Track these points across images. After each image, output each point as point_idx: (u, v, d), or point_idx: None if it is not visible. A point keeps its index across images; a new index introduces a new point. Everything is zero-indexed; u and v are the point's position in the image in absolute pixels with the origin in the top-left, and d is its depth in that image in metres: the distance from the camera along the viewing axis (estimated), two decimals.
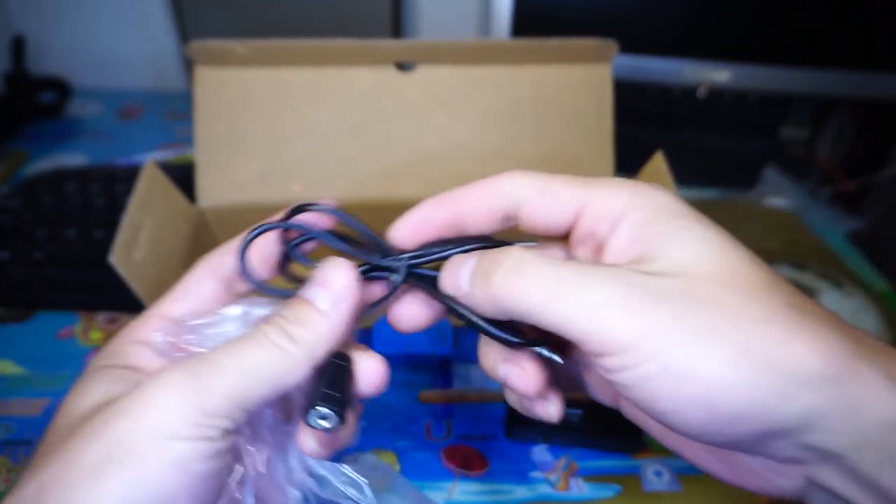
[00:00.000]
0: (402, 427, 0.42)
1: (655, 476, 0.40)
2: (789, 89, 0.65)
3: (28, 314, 0.51)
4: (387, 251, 0.25)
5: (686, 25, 0.64)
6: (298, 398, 0.24)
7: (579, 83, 0.50)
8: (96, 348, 0.45)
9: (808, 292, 0.50)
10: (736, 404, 0.19)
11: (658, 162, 0.46)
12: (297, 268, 0.26)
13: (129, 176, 0.56)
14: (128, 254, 0.37)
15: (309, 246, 0.26)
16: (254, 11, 0.74)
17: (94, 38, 0.80)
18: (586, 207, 0.23)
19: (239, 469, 0.23)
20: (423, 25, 0.81)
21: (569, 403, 0.42)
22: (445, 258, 0.24)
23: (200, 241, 0.46)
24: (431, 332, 0.43)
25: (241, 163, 0.48)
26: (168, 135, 0.74)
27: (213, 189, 0.48)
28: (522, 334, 0.24)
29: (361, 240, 0.25)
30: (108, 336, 0.44)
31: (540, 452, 0.41)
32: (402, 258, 0.25)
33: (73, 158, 0.70)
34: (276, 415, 0.24)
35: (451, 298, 0.24)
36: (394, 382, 0.45)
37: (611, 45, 0.48)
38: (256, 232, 0.25)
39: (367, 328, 0.44)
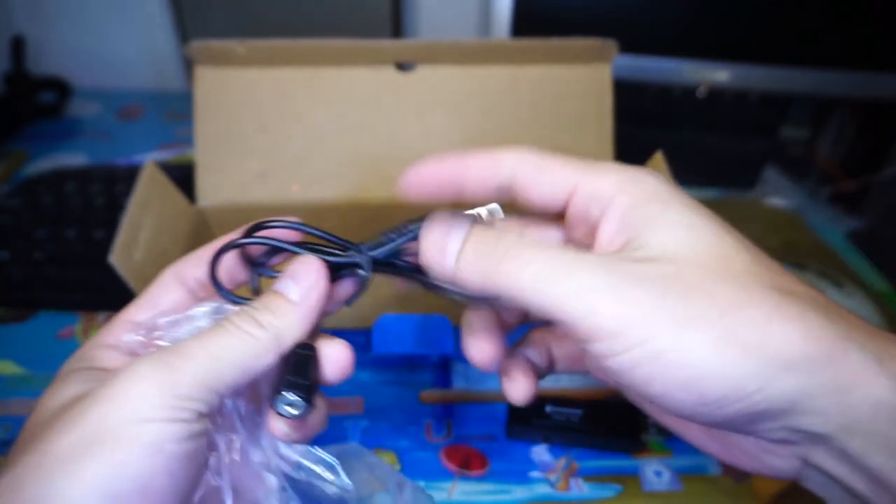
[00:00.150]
0: (402, 427, 0.42)
1: (655, 476, 0.40)
2: (789, 89, 0.65)
3: (28, 314, 0.51)
4: (350, 250, 0.26)
5: (686, 25, 0.64)
6: (267, 388, 0.25)
7: (579, 83, 0.50)
8: None
9: None
10: (722, 388, 0.19)
11: (658, 162, 0.46)
12: (264, 283, 0.27)
13: (129, 176, 0.56)
14: (128, 254, 0.37)
15: (275, 261, 0.27)
16: (254, 11, 0.74)
17: (94, 38, 0.80)
18: (578, 188, 0.23)
19: (214, 457, 0.24)
20: (423, 25, 0.81)
21: (569, 403, 0.42)
22: (405, 243, 0.26)
23: (200, 241, 0.45)
24: (431, 332, 0.43)
25: (241, 163, 0.48)
26: (168, 135, 0.74)
27: (213, 189, 0.48)
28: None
29: (325, 245, 0.27)
30: None
31: (540, 452, 0.41)
32: (364, 250, 0.26)
33: (73, 158, 0.70)
34: (249, 405, 0.25)
35: (426, 277, 0.25)
36: (394, 382, 0.45)
37: (611, 45, 0.48)
38: (226, 247, 0.26)
39: (367, 328, 0.44)
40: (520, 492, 0.39)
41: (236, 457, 0.24)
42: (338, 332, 0.48)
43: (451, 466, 0.40)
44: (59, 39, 0.80)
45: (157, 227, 0.40)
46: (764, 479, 0.40)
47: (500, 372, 0.28)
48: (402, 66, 0.49)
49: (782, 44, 0.64)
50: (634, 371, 0.20)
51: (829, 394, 0.19)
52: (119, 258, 0.36)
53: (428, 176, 0.25)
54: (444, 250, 0.23)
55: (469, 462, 0.40)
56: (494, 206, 0.27)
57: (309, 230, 0.26)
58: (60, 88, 0.77)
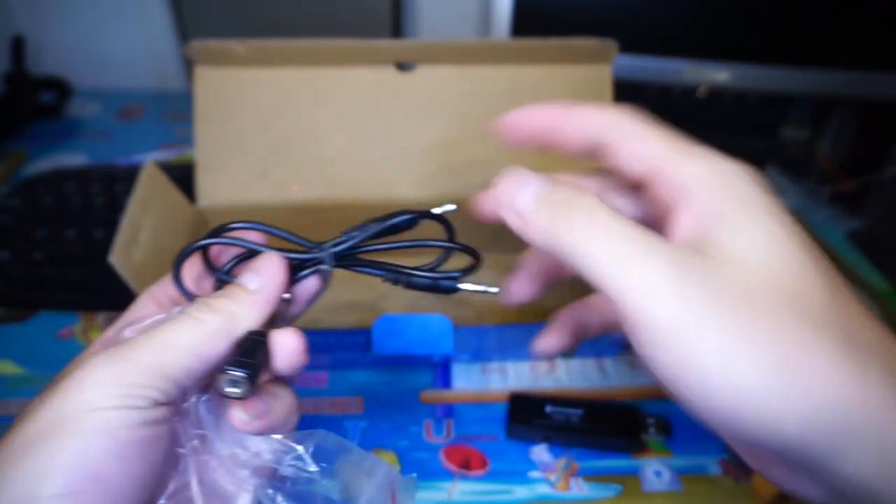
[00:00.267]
0: (402, 427, 0.42)
1: (655, 476, 0.40)
2: (789, 89, 0.65)
3: (28, 314, 0.51)
4: (313, 249, 0.27)
5: (686, 25, 0.64)
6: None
7: (579, 83, 0.50)
8: None
9: None
10: (761, 419, 0.18)
11: None
12: None
13: (129, 176, 0.56)
14: (128, 254, 0.37)
15: (238, 269, 0.28)
16: (254, 11, 0.74)
17: (94, 38, 0.80)
18: (664, 169, 0.22)
19: (181, 452, 0.24)
20: (423, 25, 0.81)
21: (569, 403, 0.42)
22: (365, 240, 0.27)
23: None
24: (431, 332, 0.43)
25: (241, 163, 0.48)
26: (168, 135, 0.74)
27: (213, 189, 0.48)
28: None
29: (288, 244, 0.28)
30: None
31: (540, 452, 0.41)
32: (326, 248, 0.27)
33: (73, 158, 0.70)
34: (218, 402, 0.25)
35: (388, 272, 0.28)
36: (394, 382, 0.45)
37: (611, 45, 0.48)
38: (190, 249, 0.27)
39: (367, 328, 0.44)
40: (520, 492, 0.39)
41: (205, 455, 0.25)
42: (338, 333, 0.48)
43: (451, 466, 0.40)
44: (59, 39, 0.80)
45: (157, 227, 0.40)
46: (764, 481, 0.40)
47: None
48: (402, 66, 0.49)
49: (782, 44, 0.64)
50: (672, 370, 0.19)
51: (872, 448, 0.18)
52: (119, 258, 0.36)
53: (527, 121, 0.26)
54: (518, 191, 0.23)
55: (469, 462, 0.40)
56: (452, 206, 0.29)
57: (270, 230, 0.28)
58: (60, 88, 0.77)
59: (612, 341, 0.47)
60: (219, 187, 0.48)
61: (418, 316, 0.43)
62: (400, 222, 0.28)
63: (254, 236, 0.28)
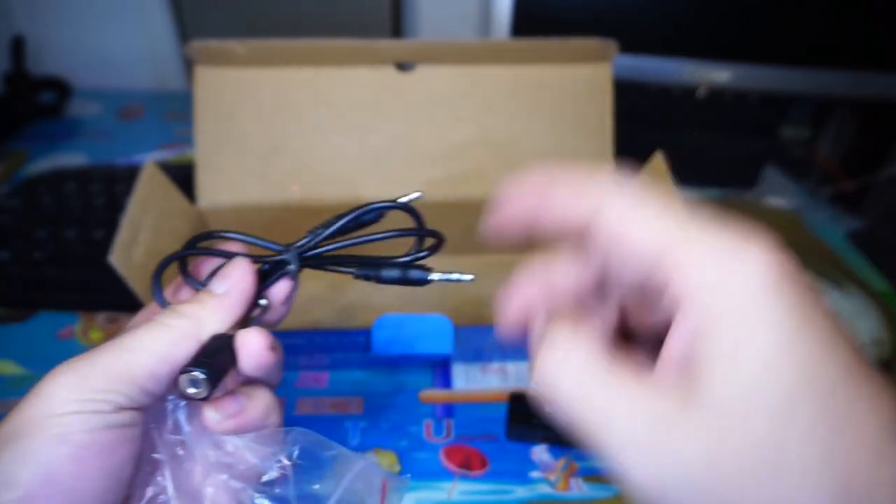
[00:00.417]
0: (402, 427, 0.42)
1: None
2: (789, 89, 0.65)
3: (28, 314, 0.51)
4: (281, 250, 0.28)
5: (686, 25, 0.64)
6: None
7: (579, 83, 0.50)
8: None
9: None
10: None
11: (658, 162, 0.46)
12: None
13: (129, 176, 0.56)
14: (127, 254, 0.37)
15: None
16: (254, 11, 0.73)
17: (94, 39, 0.80)
18: (659, 262, 0.18)
19: (158, 458, 0.25)
20: (423, 25, 0.81)
21: None
22: (330, 237, 0.28)
23: None
24: (431, 332, 0.43)
25: (241, 163, 0.48)
26: (168, 135, 0.74)
27: (213, 189, 0.48)
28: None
29: (258, 249, 0.28)
30: (108, 336, 0.44)
31: (540, 452, 0.41)
32: (291, 249, 0.27)
33: (73, 158, 0.70)
34: (193, 404, 0.25)
35: (355, 269, 0.28)
36: (394, 382, 0.45)
37: (611, 45, 0.48)
38: (167, 260, 0.28)
39: (367, 328, 0.44)
40: (520, 492, 0.39)
41: (184, 460, 0.25)
42: (338, 332, 0.48)
43: (451, 466, 0.40)
44: (59, 39, 0.80)
45: (157, 227, 0.40)
46: None
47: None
48: (402, 66, 0.49)
49: (782, 44, 0.64)
50: None
51: None
52: (119, 258, 0.36)
53: (506, 219, 0.21)
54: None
55: (469, 462, 0.40)
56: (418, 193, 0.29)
57: (240, 237, 0.28)
58: (60, 88, 0.77)
59: None
60: (219, 187, 0.48)
61: (418, 316, 0.43)
62: (363, 214, 0.28)
63: (236, 246, 0.28)
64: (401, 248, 0.29)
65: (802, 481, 0.15)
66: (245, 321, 0.27)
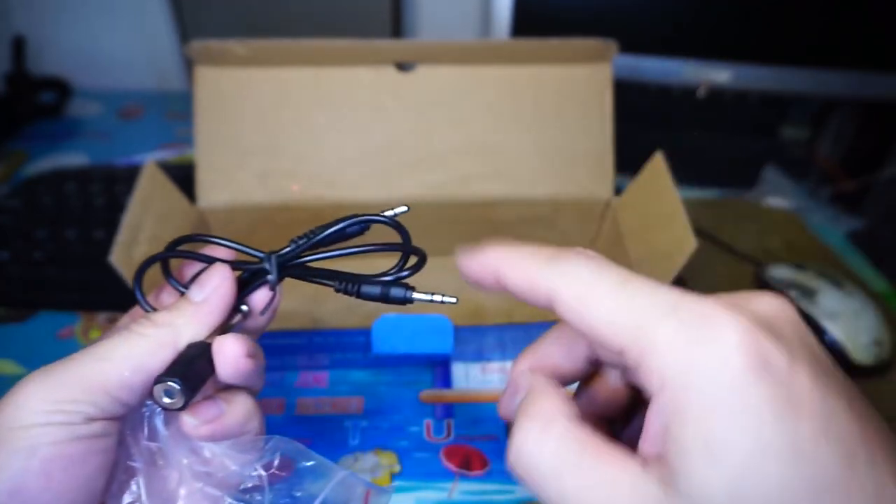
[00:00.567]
0: (402, 427, 0.42)
1: None
2: (789, 89, 0.65)
3: (28, 314, 0.51)
4: (262, 258, 0.27)
5: (686, 25, 0.64)
6: None
7: (579, 83, 0.50)
8: None
9: (808, 292, 0.50)
10: None
11: (658, 162, 0.46)
12: None
13: (129, 176, 0.56)
14: (128, 254, 0.37)
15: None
16: (254, 11, 0.74)
17: (94, 38, 0.80)
18: (630, 345, 0.17)
19: (133, 466, 0.24)
20: (423, 25, 0.81)
21: None
22: (312, 247, 0.27)
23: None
24: (431, 331, 0.43)
25: (241, 163, 0.48)
26: (168, 135, 0.74)
27: (213, 189, 0.48)
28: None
29: (240, 256, 0.28)
30: None
31: None
32: (272, 257, 0.27)
33: (73, 158, 0.70)
34: (169, 414, 0.25)
35: (335, 282, 0.27)
36: (394, 382, 0.45)
37: (611, 45, 0.48)
38: (147, 262, 0.27)
39: (367, 328, 0.44)
40: (520, 491, 0.39)
41: (161, 468, 0.24)
42: (338, 332, 0.48)
43: (451, 466, 0.40)
44: (59, 39, 0.80)
45: (157, 227, 0.40)
46: None
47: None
48: (402, 66, 0.49)
49: (782, 44, 0.64)
50: None
51: None
52: (119, 258, 0.36)
53: (475, 277, 0.22)
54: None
55: (469, 462, 0.40)
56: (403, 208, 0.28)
57: (221, 242, 0.27)
58: (60, 88, 0.77)
59: None
60: (219, 187, 0.48)
61: (418, 316, 0.43)
62: (348, 226, 0.27)
63: (220, 251, 0.28)
64: (391, 260, 0.28)
65: None
66: (225, 328, 0.26)
